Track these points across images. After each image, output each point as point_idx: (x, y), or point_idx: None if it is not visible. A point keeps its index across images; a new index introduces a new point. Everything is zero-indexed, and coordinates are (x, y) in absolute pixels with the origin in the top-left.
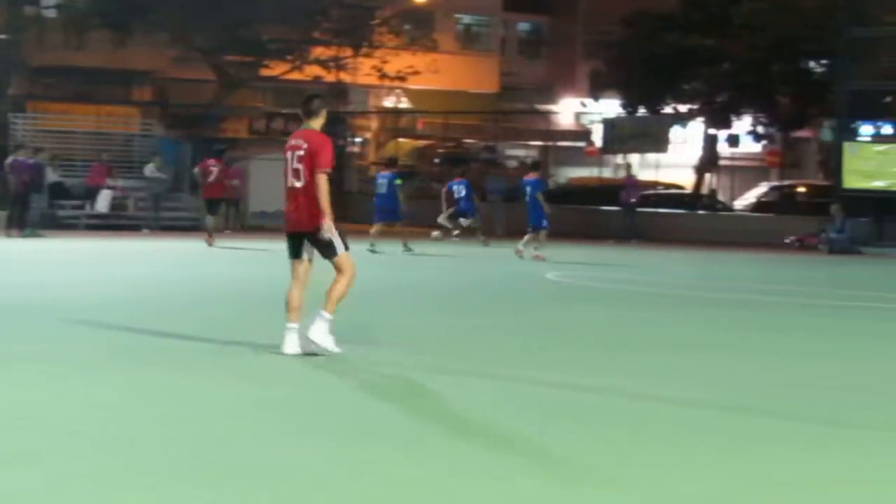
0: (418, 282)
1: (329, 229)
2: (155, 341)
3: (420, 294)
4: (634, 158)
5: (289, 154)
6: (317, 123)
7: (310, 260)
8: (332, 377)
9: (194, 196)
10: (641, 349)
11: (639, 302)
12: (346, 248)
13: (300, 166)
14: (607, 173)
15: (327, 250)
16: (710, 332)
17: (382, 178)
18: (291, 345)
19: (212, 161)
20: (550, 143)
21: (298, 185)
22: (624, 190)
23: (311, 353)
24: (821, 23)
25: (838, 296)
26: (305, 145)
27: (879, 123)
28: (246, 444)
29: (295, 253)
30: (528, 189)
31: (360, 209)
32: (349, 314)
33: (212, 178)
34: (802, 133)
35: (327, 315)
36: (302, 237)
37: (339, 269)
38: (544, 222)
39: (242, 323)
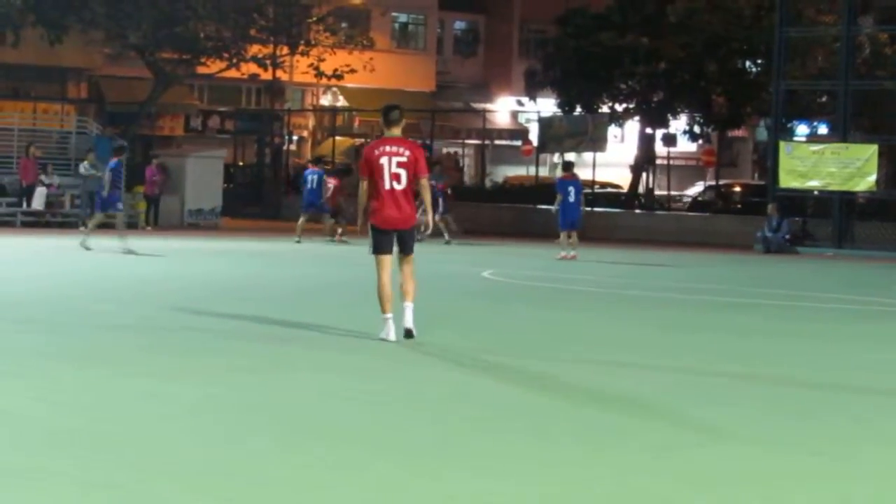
0: (354, 278)
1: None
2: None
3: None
4: (570, 157)
5: (385, 159)
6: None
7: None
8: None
9: (130, 193)
10: (546, 346)
11: (565, 300)
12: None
13: (401, 171)
14: (544, 172)
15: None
16: (623, 330)
17: (312, 174)
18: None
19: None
20: (487, 142)
21: (399, 187)
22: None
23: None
24: (755, 22)
25: (766, 294)
26: (407, 152)
27: (814, 123)
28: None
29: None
30: (572, 190)
31: (294, 206)
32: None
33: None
34: (738, 132)
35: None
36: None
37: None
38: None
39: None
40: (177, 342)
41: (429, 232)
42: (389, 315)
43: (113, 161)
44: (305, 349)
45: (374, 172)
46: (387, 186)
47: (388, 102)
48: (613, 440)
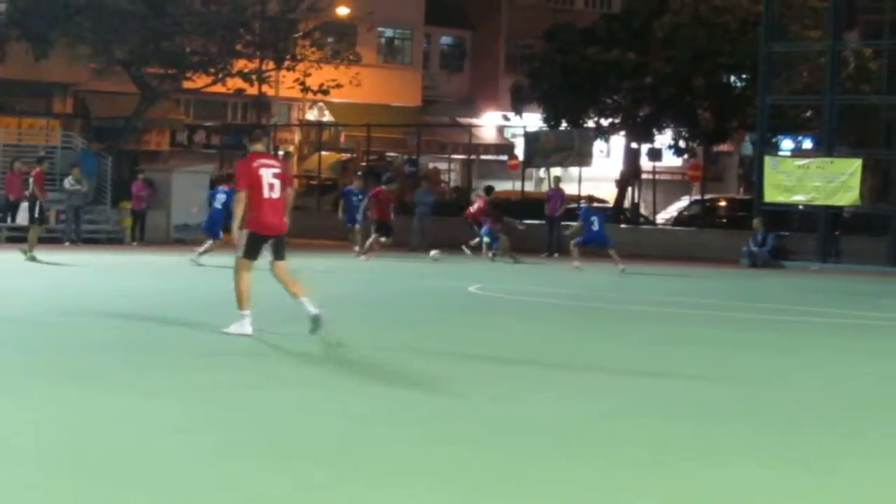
0: (343, 295)
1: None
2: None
3: (346, 306)
4: (557, 172)
5: (264, 171)
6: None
7: None
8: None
9: (116, 209)
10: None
11: (550, 315)
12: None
13: (276, 181)
14: (530, 187)
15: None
16: (606, 345)
17: (221, 193)
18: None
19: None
20: (473, 157)
21: (275, 196)
22: (549, 201)
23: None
24: (741, 37)
25: (751, 308)
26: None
27: (800, 137)
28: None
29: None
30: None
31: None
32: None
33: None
34: (724, 147)
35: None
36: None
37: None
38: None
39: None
40: (159, 358)
41: (238, 239)
42: (248, 312)
43: (226, 188)
44: (288, 365)
45: (254, 183)
46: (266, 195)
47: (259, 124)
48: (600, 455)
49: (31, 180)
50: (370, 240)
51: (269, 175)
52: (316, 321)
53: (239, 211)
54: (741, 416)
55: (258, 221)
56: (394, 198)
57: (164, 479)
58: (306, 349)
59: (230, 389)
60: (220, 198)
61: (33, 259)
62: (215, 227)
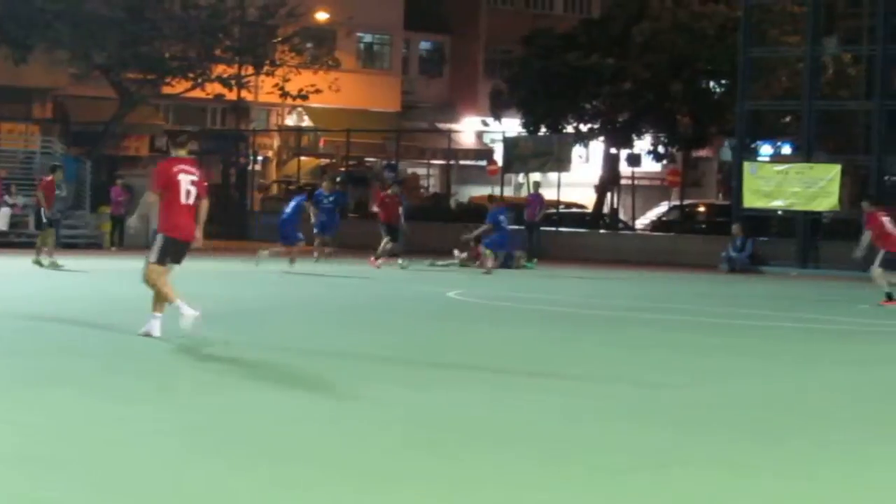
0: (311, 299)
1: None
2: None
3: (322, 310)
4: (536, 177)
5: (182, 177)
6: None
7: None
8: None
9: (95, 214)
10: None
11: (528, 320)
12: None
13: (192, 189)
14: (509, 192)
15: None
16: (588, 348)
17: (293, 200)
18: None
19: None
20: (452, 162)
21: (191, 203)
22: (528, 207)
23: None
24: (719, 43)
25: (728, 314)
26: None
27: (779, 143)
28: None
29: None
30: None
31: (260, 226)
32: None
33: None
34: (703, 152)
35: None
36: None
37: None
38: None
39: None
40: (136, 364)
41: (200, 242)
42: (179, 302)
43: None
44: (265, 368)
45: (172, 188)
46: (183, 201)
47: (181, 130)
48: (578, 461)
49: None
50: (382, 245)
51: (186, 181)
52: (197, 322)
53: (142, 210)
54: (717, 421)
55: (175, 226)
56: (399, 200)
57: (144, 482)
58: (277, 354)
59: (204, 395)
60: (291, 205)
61: (39, 264)
62: (290, 232)
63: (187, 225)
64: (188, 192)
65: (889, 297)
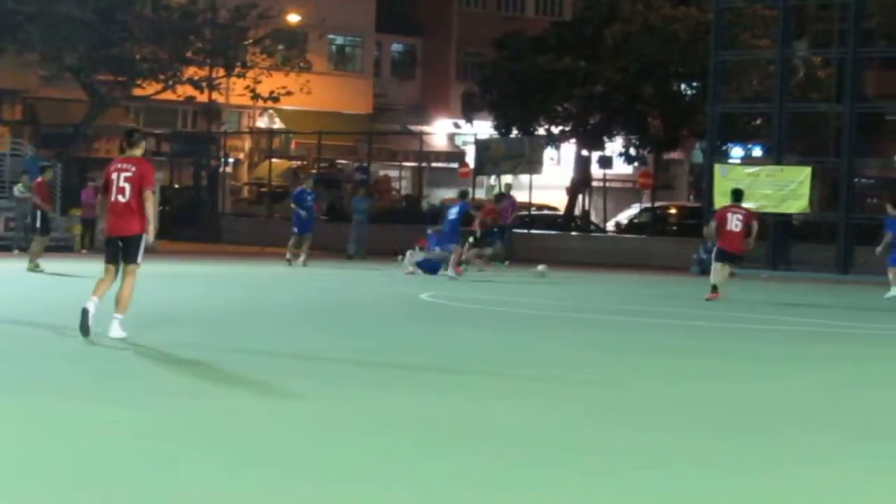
0: (295, 301)
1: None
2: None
3: (299, 312)
4: (508, 179)
5: (115, 175)
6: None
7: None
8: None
9: (65, 216)
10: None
11: (502, 322)
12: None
13: (127, 185)
14: (481, 194)
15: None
16: (553, 352)
17: (454, 206)
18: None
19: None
20: (424, 164)
21: (123, 199)
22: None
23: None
24: (691, 46)
25: (699, 316)
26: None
27: (749, 146)
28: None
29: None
30: None
31: (231, 229)
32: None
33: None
34: (674, 155)
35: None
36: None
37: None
38: None
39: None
40: (116, 367)
41: (152, 241)
42: (95, 300)
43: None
44: (233, 372)
45: (108, 187)
46: (113, 198)
47: (133, 127)
48: (556, 463)
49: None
50: (471, 252)
51: (119, 179)
52: (84, 314)
53: (98, 212)
54: (692, 421)
55: (108, 225)
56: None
57: (124, 486)
58: (247, 357)
59: (179, 397)
60: (453, 210)
61: (36, 269)
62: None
63: (115, 222)
64: (121, 189)
65: None
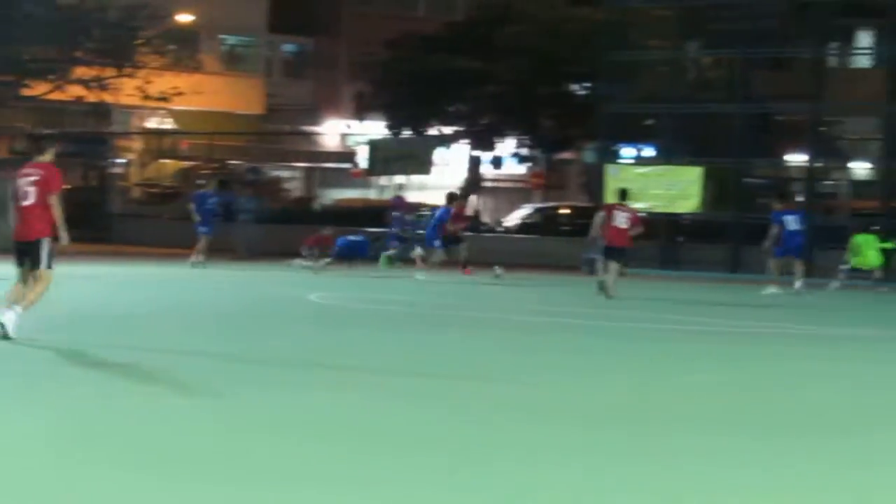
0: (183, 302)
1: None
2: None
3: (184, 316)
4: (400, 180)
5: (21, 180)
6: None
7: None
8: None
9: None
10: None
11: (390, 322)
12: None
13: (30, 189)
14: (373, 195)
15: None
16: (441, 352)
17: (438, 211)
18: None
19: None
20: (316, 165)
21: (26, 203)
22: (392, 209)
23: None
24: (583, 46)
25: (585, 315)
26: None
27: (640, 146)
28: None
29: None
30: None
31: (122, 230)
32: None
33: None
34: (566, 155)
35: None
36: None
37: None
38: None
39: None
40: (20, 371)
41: (66, 242)
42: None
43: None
44: (128, 372)
45: (16, 192)
46: (19, 203)
47: (43, 133)
48: (469, 461)
49: None
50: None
51: (24, 183)
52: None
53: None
54: (602, 416)
55: (14, 230)
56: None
57: (29, 486)
58: (145, 356)
59: (95, 399)
60: (437, 213)
61: None
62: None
63: (18, 227)
64: (25, 194)
65: None
